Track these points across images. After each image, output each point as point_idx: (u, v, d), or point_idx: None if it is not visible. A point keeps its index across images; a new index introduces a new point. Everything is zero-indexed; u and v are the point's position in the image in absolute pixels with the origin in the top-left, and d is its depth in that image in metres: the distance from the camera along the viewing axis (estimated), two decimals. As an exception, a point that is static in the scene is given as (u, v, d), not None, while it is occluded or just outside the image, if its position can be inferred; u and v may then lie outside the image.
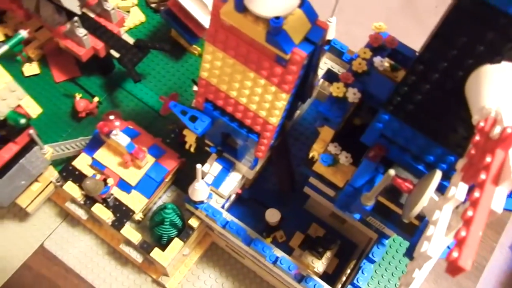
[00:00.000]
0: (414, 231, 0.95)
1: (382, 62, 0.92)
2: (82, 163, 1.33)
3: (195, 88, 1.43)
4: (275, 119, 0.96)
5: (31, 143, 1.14)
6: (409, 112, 0.77)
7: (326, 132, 0.97)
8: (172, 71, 1.65)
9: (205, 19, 1.43)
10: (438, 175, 0.72)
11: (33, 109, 1.02)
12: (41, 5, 1.37)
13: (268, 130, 0.99)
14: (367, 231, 1.18)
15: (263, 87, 0.92)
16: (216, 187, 1.19)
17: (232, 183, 1.21)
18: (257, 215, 1.28)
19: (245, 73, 0.92)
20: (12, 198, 1.13)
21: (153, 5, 1.73)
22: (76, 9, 1.25)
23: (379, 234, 1.15)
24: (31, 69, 1.56)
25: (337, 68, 1.34)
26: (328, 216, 1.30)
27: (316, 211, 1.33)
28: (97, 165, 1.32)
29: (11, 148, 1.09)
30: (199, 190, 1.09)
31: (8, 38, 1.47)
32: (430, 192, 0.71)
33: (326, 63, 1.35)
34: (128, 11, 1.71)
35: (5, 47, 0.98)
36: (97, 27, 1.42)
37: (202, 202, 1.15)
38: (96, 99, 1.52)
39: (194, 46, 1.66)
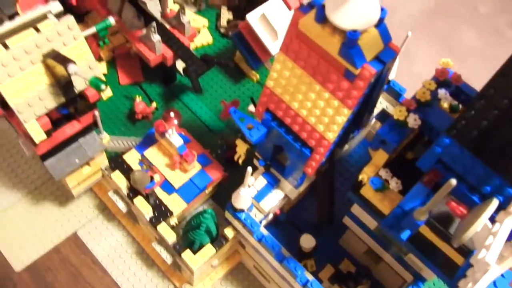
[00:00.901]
0: (455, 272, 0.93)
1: (446, 95, 0.93)
2: (132, 158, 1.37)
3: (250, 108, 1.48)
4: (332, 135, 0.98)
5: (91, 126, 1.19)
6: (472, 138, 0.77)
7: (380, 157, 0.98)
8: (229, 92, 1.71)
9: (271, 45, 1.49)
10: (495, 202, 0.71)
11: (105, 91, 1.07)
12: (124, 8, 1.47)
13: (323, 146, 1.01)
14: (403, 272, 1.16)
15: (326, 101, 0.94)
16: (258, 201, 1.20)
17: (274, 200, 1.22)
18: (291, 240, 1.28)
19: (311, 85, 0.95)
20: (64, 174, 1.17)
21: (222, 30, 1.82)
22: (158, 15, 1.33)
23: (415, 276, 1.12)
24: (100, 67, 1.65)
25: (391, 110, 1.36)
26: (363, 253, 1.28)
27: (350, 247, 1.31)
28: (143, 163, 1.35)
29: (74, 126, 1.14)
30: (244, 197, 1.10)
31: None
32: (485, 218, 0.70)
33: (381, 103, 1.37)
34: (198, 31, 1.80)
35: (93, 29, 1.05)
36: (170, 37, 1.50)
37: (242, 211, 1.16)
38: (154, 104, 1.58)
39: (253, 72, 1.72)
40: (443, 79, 0.96)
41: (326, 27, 0.86)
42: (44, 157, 1.14)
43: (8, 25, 0.95)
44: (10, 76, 0.93)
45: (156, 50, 1.47)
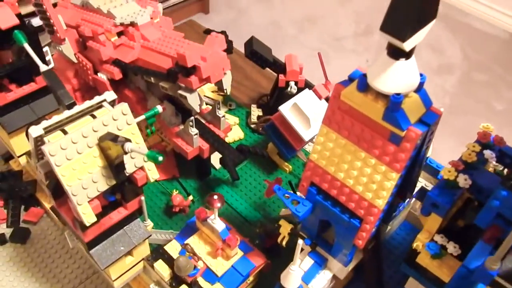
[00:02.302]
0: None
1: (493, 155, 0.95)
2: (173, 248, 1.36)
3: (283, 212, 1.50)
4: (381, 202, 0.98)
5: (136, 213, 1.21)
6: (530, 186, 0.78)
7: (433, 222, 0.97)
8: (263, 184, 1.74)
9: (305, 133, 1.54)
10: None
11: (153, 173, 1.11)
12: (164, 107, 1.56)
13: (372, 214, 1.00)
14: None
15: (372, 167, 0.96)
16: (307, 282, 1.17)
17: (323, 280, 1.18)
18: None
19: (356, 153, 0.98)
20: (109, 262, 1.16)
21: (252, 126, 1.89)
22: (197, 108, 1.41)
23: None
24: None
25: (430, 187, 1.35)
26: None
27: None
28: (184, 253, 1.34)
29: (121, 212, 1.16)
30: (294, 275, 1.08)
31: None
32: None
33: (420, 181, 1.37)
34: (230, 128, 1.88)
35: (142, 117, 1.11)
36: (206, 130, 1.57)
37: (291, 292, 1.12)
38: (190, 197, 1.61)
39: (286, 163, 1.77)
40: (486, 142, 0.98)
41: (369, 94, 0.91)
42: (91, 245, 1.15)
43: (67, 113, 1.01)
44: (68, 159, 0.97)
45: (194, 143, 1.53)
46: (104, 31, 1.53)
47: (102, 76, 1.59)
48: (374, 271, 1.22)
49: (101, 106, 1.06)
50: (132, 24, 1.52)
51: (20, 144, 1.47)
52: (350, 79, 0.97)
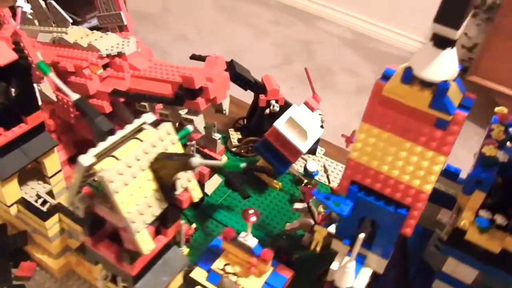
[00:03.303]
0: None
1: (517, 131, 1.06)
2: (199, 275, 1.32)
3: (296, 205, 1.53)
4: (429, 186, 1.05)
5: (173, 239, 1.16)
6: None
7: (476, 199, 1.05)
8: (257, 203, 1.75)
9: (301, 145, 1.59)
10: None
11: (196, 193, 1.08)
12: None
13: (421, 200, 1.07)
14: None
15: (419, 155, 1.03)
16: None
17: (365, 278, 1.21)
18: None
19: (401, 144, 1.04)
20: (155, 295, 1.10)
21: (233, 149, 1.90)
22: (202, 130, 1.40)
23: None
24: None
25: (452, 192, 1.40)
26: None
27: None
28: (214, 277, 1.31)
29: (160, 240, 1.11)
30: (350, 273, 1.10)
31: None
32: None
33: (439, 187, 1.44)
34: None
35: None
36: (202, 154, 1.56)
37: (346, 291, 1.14)
38: (193, 225, 1.57)
39: (275, 181, 1.80)
40: (506, 121, 1.10)
41: (414, 86, 0.98)
42: (136, 279, 1.08)
43: (111, 139, 0.97)
44: (125, 185, 0.93)
45: (217, 148, 1.53)
46: (89, 64, 1.47)
47: (88, 112, 1.52)
48: (403, 265, 1.28)
49: (141, 129, 1.03)
50: (119, 54, 1.49)
51: (11, 192, 1.35)
52: (386, 77, 1.04)
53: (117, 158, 0.94)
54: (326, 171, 1.74)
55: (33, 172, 1.45)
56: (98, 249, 1.08)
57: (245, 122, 1.95)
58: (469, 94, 1.02)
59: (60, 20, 1.62)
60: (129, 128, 1.00)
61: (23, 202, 1.38)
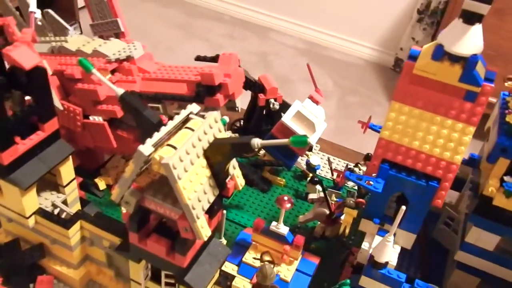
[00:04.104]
0: None
1: (530, 101, 1.17)
2: (229, 269, 1.33)
3: (311, 196, 1.57)
4: (460, 157, 1.12)
5: (215, 230, 1.17)
6: None
7: (501, 166, 1.14)
8: (265, 200, 1.77)
9: (310, 138, 1.63)
10: None
11: (241, 180, 1.10)
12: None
13: (452, 171, 1.14)
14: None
15: (449, 128, 1.10)
16: (385, 259, 1.24)
17: (395, 255, 1.26)
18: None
19: (432, 119, 1.11)
20: (205, 284, 1.09)
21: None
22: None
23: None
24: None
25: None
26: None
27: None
28: (246, 269, 1.32)
29: (207, 230, 1.11)
30: (390, 246, 1.14)
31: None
32: None
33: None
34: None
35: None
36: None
37: (385, 266, 1.18)
38: (210, 225, 1.57)
39: (279, 178, 1.83)
40: (515, 93, 1.20)
41: (444, 61, 1.06)
42: (186, 271, 1.07)
43: (164, 129, 0.97)
44: (186, 171, 0.93)
45: None
46: (97, 69, 1.45)
47: (96, 119, 1.50)
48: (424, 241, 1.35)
49: (188, 119, 1.03)
50: (128, 58, 1.48)
51: (30, 203, 1.30)
52: (413, 57, 1.11)
53: (174, 147, 0.94)
54: (330, 163, 1.79)
55: (43, 182, 1.40)
56: (145, 245, 1.07)
57: (241, 123, 1.97)
58: (490, 68, 1.11)
59: (58, 29, 1.59)
60: (178, 118, 1.01)
61: (41, 212, 1.33)
